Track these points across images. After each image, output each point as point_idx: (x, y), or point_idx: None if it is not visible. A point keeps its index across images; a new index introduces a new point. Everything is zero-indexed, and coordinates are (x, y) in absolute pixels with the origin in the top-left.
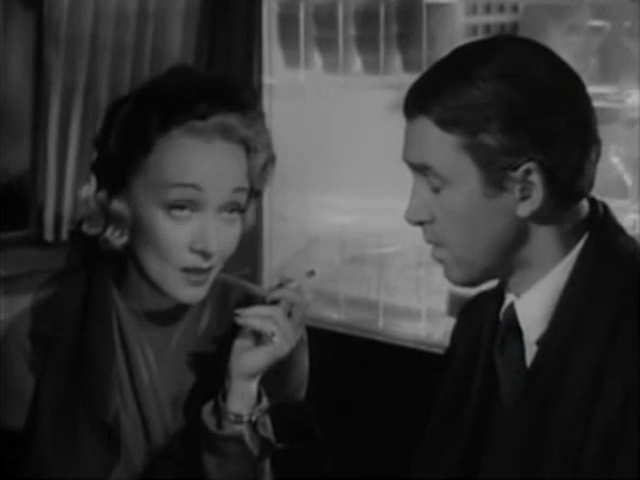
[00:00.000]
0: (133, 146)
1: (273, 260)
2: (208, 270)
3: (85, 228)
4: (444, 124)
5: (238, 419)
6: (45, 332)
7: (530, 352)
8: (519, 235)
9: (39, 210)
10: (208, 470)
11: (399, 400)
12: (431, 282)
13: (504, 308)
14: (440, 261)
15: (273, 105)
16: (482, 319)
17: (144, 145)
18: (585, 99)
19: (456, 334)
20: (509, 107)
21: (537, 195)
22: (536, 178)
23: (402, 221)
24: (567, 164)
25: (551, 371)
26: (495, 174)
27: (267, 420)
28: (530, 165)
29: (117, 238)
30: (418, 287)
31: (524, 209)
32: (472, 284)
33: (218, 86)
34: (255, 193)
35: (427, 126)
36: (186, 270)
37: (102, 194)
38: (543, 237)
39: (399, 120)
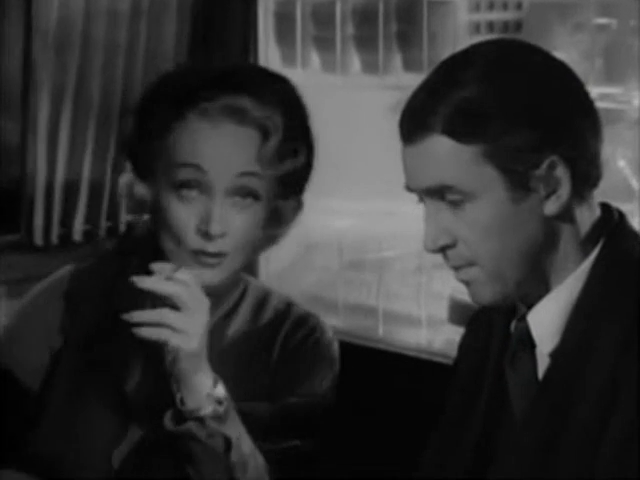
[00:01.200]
0: (151, 131)
1: (270, 266)
2: (217, 254)
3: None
4: (456, 135)
5: (189, 415)
6: (77, 299)
7: (542, 364)
8: (547, 238)
9: (28, 214)
10: (188, 472)
11: (399, 409)
12: (432, 287)
13: (515, 320)
14: (467, 283)
15: None
16: (491, 329)
17: (160, 129)
18: (582, 90)
19: (464, 344)
20: (511, 103)
21: (564, 189)
22: (561, 171)
23: (402, 224)
24: (585, 154)
25: (565, 383)
26: (520, 176)
27: (230, 414)
28: (554, 158)
29: (140, 222)
30: (419, 293)
31: (550, 206)
32: (504, 302)
33: (228, 70)
34: (284, 182)
35: (438, 143)
36: (194, 253)
37: (127, 178)
38: (568, 240)
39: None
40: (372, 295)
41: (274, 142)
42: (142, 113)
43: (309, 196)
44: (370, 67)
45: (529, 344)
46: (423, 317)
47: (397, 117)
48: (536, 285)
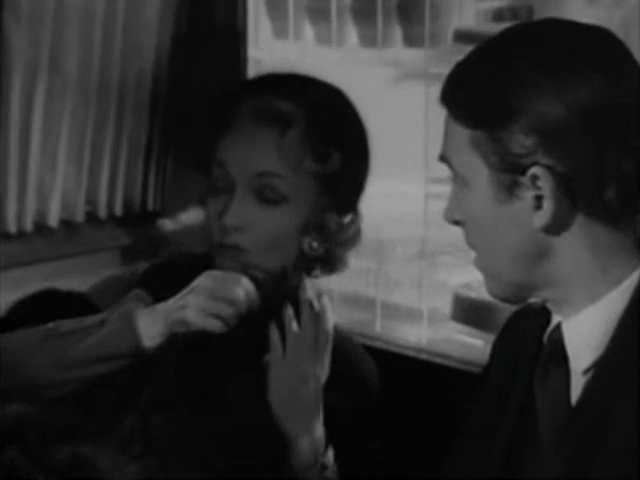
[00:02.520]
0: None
1: None
2: (232, 247)
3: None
4: (459, 116)
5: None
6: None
7: (576, 383)
8: (540, 249)
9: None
10: None
11: (397, 414)
12: (435, 276)
13: (549, 329)
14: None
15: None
16: (526, 336)
17: (211, 139)
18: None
19: (496, 349)
20: (512, 98)
21: (548, 205)
22: (545, 185)
23: (403, 206)
24: (584, 172)
25: (600, 408)
26: (504, 177)
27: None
28: (535, 170)
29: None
30: (420, 282)
31: (538, 220)
32: (508, 300)
33: (270, 75)
34: (319, 189)
35: (449, 119)
36: (217, 246)
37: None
38: (572, 253)
39: (398, 99)
40: (370, 284)
41: (293, 134)
42: (199, 132)
43: None
44: (368, 41)
45: (562, 359)
46: (425, 311)
47: (396, 95)
48: (558, 292)
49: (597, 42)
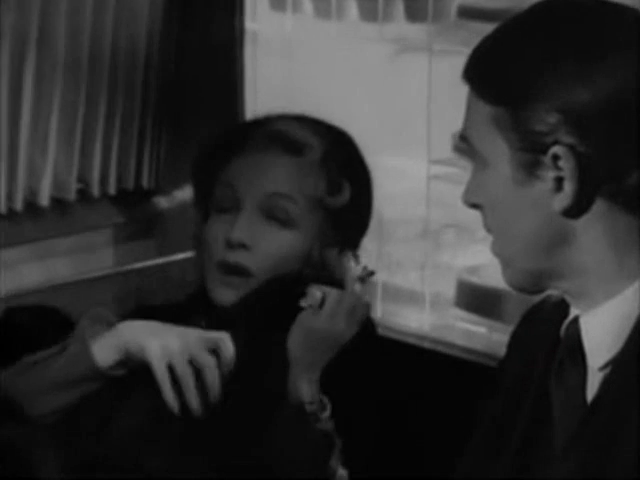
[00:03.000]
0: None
1: None
2: (236, 266)
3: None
4: (481, 92)
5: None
6: None
7: (592, 381)
8: (559, 235)
9: None
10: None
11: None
12: (438, 257)
13: (566, 322)
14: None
15: (257, 55)
16: (541, 331)
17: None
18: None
19: (512, 345)
20: (539, 73)
21: (568, 187)
22: (566, 165)
23: (405, 184)
24: (605, 155)
25: (616, 405)
26: (524, 156)
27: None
28: (557, 149)
29: None
30: (424, 264)
31: (558, 203)
32: (524, 289)
33: (281, 113)
34: (327, 220)
35: (471, 95)
36: (218, 266)
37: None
38: (591, 241)
39: (399, 75)
40: (371, 265)
41: (307, 160)
42: (205, 156)
43: None
44: (368, 15)
45: (579, 354)
46: (427, 295)
47: (397, 70)
48: (577, 283)
49: (628, 24)
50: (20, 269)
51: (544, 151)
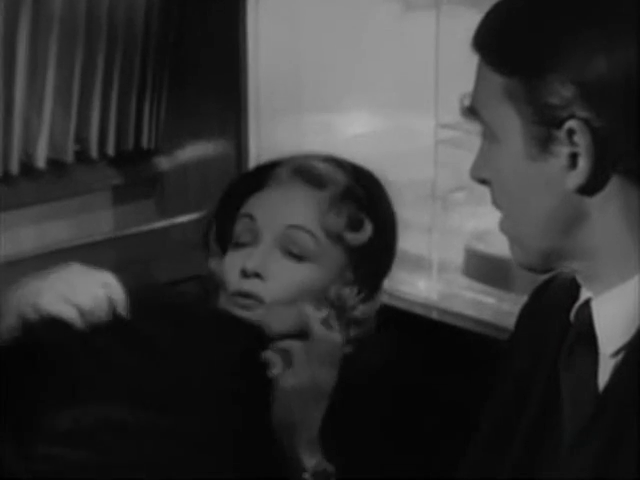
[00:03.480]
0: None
1: None
2: (250, 296)
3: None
4: (493, 63)
5: None
6: None
7: (604, 368)
8: (572, 213)
9: None
10: None
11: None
12: (447, 221)
13: (577, 305)
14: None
15: (259, 9)
16: (551, 313)
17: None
18: None
19: (520, 325)
20: (555, 44)
21: (583, 163)
22: (581, 140)
23: (413, 143)
24: (621, 130)
25: (629, 394)
26: (538, 130)
27: None
28: (572, 124)
29: None
30: (431, 227)
31: (572, 180)
32: (533, 269)
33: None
34: (345, 259)
35: (481, 66)
36: (232, 295)
37: (215, 262)
38: (605, 220)
39: (407, 28)
40: None
41: (329, 194)
42: (228, 194)
43: (305, 113)
44: None
45: (590, 339)
46: (435, 261)
47: (405, 23)
48: (590, 265)
49: None
50: (17, 233)
51: (559, 125)
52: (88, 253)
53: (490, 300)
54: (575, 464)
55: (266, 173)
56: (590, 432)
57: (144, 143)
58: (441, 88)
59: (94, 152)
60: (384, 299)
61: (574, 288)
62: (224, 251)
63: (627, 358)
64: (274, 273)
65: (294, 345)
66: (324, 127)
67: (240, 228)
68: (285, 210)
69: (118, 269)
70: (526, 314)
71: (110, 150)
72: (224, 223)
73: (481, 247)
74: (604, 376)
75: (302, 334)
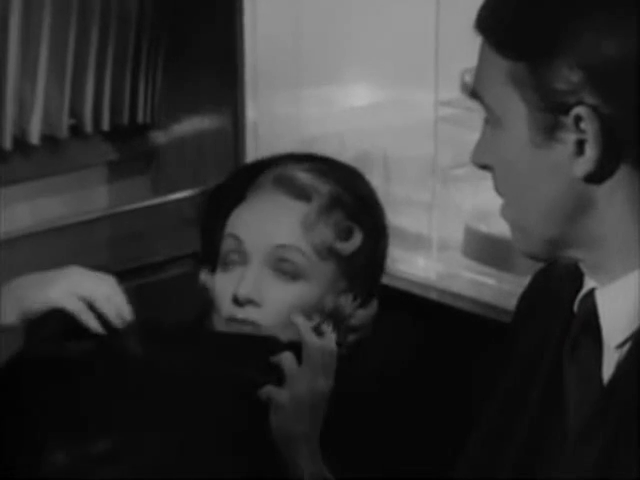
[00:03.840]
0: (217, 218)
1: None
2: (245, 323)
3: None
4: (497, 45)
5: None
6: None
7: (609, 360)
8: (578, 202)
9: None
10: None
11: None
12: (448, 198)
13: (581, 295)
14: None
15: None
16: (554, 302)
17: (225, 215)
18: None
19: (521, 312)
20: (564, 29)
21: (590, 151)
22: (589, 127)
23: (413, 117)
24: (630, 117)
25: (635, 386)
26: (544, 117)
27: None
28: (579, 110)
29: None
30: (431, 204)
31: (578, 168)
32: (536, 257)
33: (287, 153)
34: (339, 269)
35: (484, 48)
36: (227, 321)
37: (204, 275)
38: (612, 209)
39: (407, 5)
40: None
41: (314, 206)
42: (211, 203)
43: (305, 86)
44: None
45: (595, 330)
46: (435, 240)
47: None
48: (595, 254)
49: None
50: (11, 210)
51: (565, 112)
52: (83, 230)
53: (490, 281)
54: (580, 459)
55: (248, 181)
56: (596, 426)
57: (139, 118)
58: (442, 63)
59: (89, 127)
60: (384, 279)
61: (578, 276)
62: (213, 262)
63: (633, 349)
64: (268, 298)
65: (283, 358)
66: (322, 100)
67: (227, 249)
68: (271, 229)
69: (113, 245)
70: (527, 299)
71: (105, 125)
72: (210, 237)
73: (482, 227)
74: (608, 368)
75: (295, 345)
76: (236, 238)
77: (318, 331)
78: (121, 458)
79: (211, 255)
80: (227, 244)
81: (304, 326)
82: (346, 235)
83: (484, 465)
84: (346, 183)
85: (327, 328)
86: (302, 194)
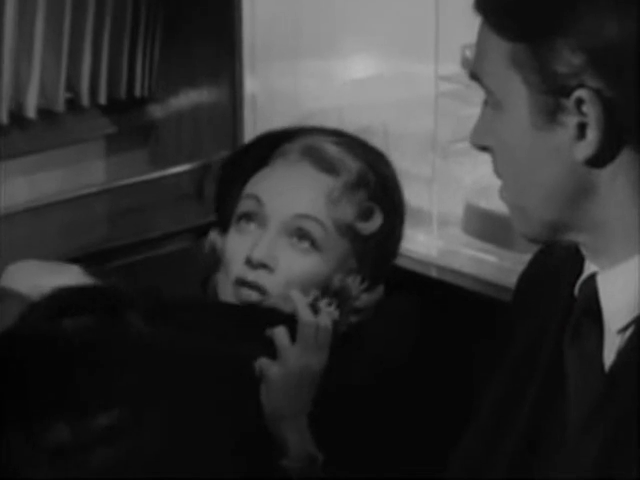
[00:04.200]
0: (236, 180)
1: None
2: (255, 287)
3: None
4: (498, 27)
5: None
6: None
7: (611, 345)
8: (579, 185)
9: None
10: None
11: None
12: (448, 172)
13: (582, 279)
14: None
15: None
16: (553, 285)
17: (245, 177)
18: None
19: (520, 295)
20: (566, 10)
21: (592, 134)
22: (590, 110)
23: (412, 90)
24: (633, 100)
25: (637, 372)
26: (545, 100)
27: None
28: (581, 93)
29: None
30: (432, 178)
31: (580, 151)
32: (536, 240)
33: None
34: (352, 247)
35: (484, 30)
36: (235, 282)
37: (213, 235)
38: (613, 193)
39: None
40: None
41: (340, 182)
42: (230, 167)
43: (302, 59)
44: None
45: (596, 315)
46: (435, 215)
47: None
48: (597, 239)
49: None
50: (8, 184)
51: (567, 94)
52: (81, 204)
53: (491, 258)
54: (583, 447)
55: (272, 147)
56: (597, 417)
57: (137, 91)
58: (442, 37)
59: (86, 101)
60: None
61: (578, 259)
62: (225, 224)
63: (634, 334)
64: (281, 265)
65: (276, 333)
66: (321, 72)
67: (245, 209)
68: (294, 197)
69: (111, 220)
70: (527, 279)
71: (102, 99)
72: (226, 196)
73: (482, 203)
74: (610, 353)
75: (290, 319)
76: (257, 200)
77: (314, 308)
78: (122, 434)
79: (224, 217)
80: (246, 204)
81: (300, 301)
82: (368, 215)
83: (479, 457)
84: (373, 163)
85: (325, 306)
86: (330, 167)
